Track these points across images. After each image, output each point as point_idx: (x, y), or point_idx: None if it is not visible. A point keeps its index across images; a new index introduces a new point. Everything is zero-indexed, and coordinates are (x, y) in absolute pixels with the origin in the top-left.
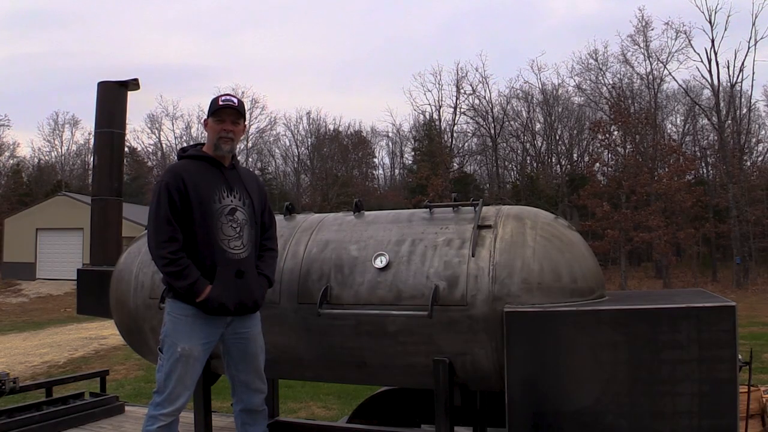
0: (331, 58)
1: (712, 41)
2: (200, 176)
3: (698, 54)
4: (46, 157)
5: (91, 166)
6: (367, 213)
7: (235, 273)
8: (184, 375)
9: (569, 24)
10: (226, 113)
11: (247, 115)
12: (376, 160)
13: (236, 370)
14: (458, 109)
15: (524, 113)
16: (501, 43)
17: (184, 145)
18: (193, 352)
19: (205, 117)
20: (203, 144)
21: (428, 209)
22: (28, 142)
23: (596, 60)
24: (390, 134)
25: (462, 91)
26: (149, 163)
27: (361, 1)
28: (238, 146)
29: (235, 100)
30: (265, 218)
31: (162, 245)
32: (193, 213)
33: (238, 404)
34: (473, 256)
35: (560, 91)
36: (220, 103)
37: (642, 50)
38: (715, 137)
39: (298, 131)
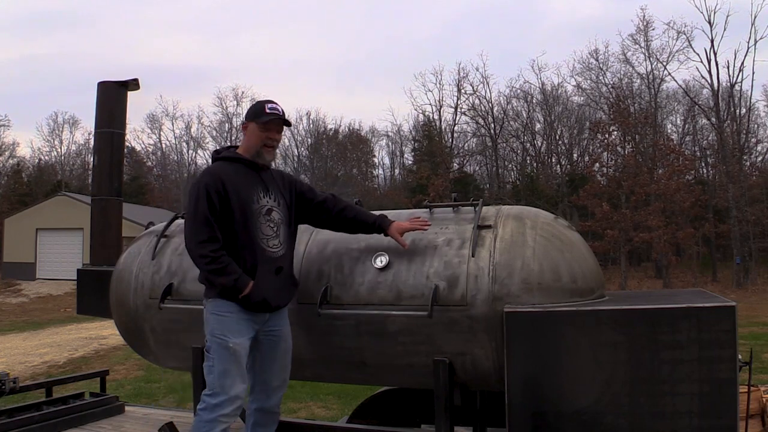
0: (332, 58)
1: (712, 41)
2: (238, 178)
3: (698, 54)
4: (46, 157)
5: (91, 166)
6: None
7: (274, 270)
8: (238, 370)
9: (570, 25)
10: (274, 123)
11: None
12: (376, 159)
13: (261, 369)
14: (458, 109)
15: (524, 113)
16: (502, 43)
17: (185, 144)
18: (243, 347)
19: (245, 120)
20: (236, 147)
21: (428, 209)
22: (28, 143)
23: (597, 59)
24: (390, 134)
25: (463, 91)
26: (149, 163)
27: (362, 2)
28: None
29: (281, 110)
30: (314, 194)
31: (202, 245)
32: (234, 214)
33: (254, 403)
34: (473, 256)
35: (560, 91)
36: (268, 110)
37: (642, 50)
38: (715, 137)
39: (297, 131)
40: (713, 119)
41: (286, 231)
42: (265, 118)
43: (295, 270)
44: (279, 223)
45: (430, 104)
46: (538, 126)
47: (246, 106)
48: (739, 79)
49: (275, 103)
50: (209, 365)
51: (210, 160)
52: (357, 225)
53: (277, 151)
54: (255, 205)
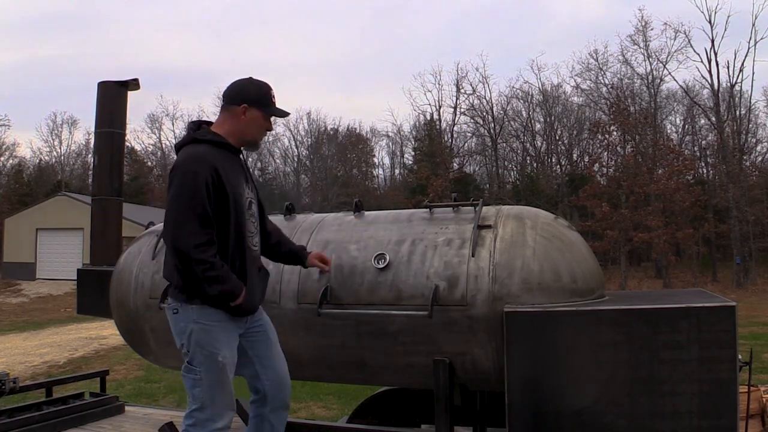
0: (332, 59)
1: (712, 41)
2: (229, 167)
3: (698, 54)
4: (47, 157)
5: (91, 166)
6: (367, 213)
7: (257, 270)
8: (227, 384)
9: (570, 26)
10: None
11: None
12: (375, 159)
13: (262, 366)
14: (458, 109)
15: (524, 113)
16: (502, 44)
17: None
18: (232, 359)
19: (241, 101)
20: (209, 122)
21: (428, 209)
22: (28, 143)
23: (596, 60)
24: (390, 134)
25: (462, 90)
26: (149, 163)
27: (362, 3)
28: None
29: None
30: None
31: (201, 249)
32: (229, 209)
33: (266, 406)
34: (473, 256)
35: (560, 91)
36: (275, 102)
37: (642, 50)
38: (715, 137)
39: (297, 131)
40: (713, 119)
41: (259, 224)
42: (275, 111)
43: (295, 270)
44: (257, 218)
45: (429, 104)
46: (537, 126)
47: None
48: (740, 80)
49: (273, 90)
50: (195, 378)
51: (184, 138)
52: (282, 256)
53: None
54: (243, 199)
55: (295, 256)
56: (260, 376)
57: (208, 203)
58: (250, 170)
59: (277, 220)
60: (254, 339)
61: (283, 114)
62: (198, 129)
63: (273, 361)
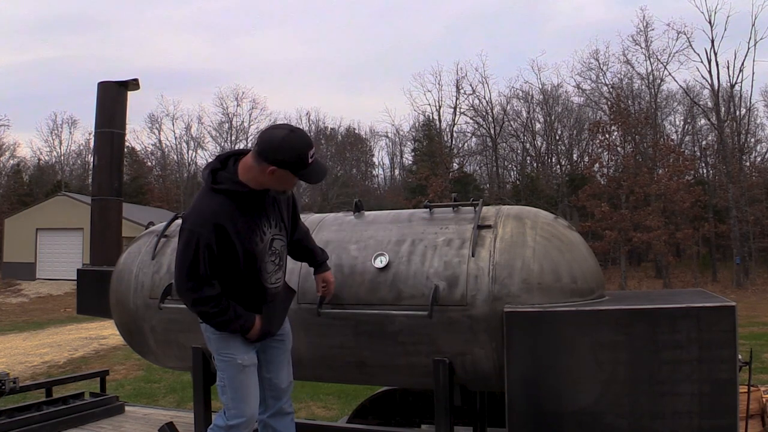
0: (333, 59)
1: (712, 41)
2: (241, 218)
3: (698, 54)
4: (47, 158)
5: (91, 166)
6: (367, 213)
7: (275, 301)
8: (249, 385)
9: (571, 27)
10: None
11: (247, 116)
12: (375, 160)
13: (267, 371)
14: (458, 109)
15: (524, 113)
16: (502, 45)
17: (185, 144)
18: (252, 360)
19: (274, 165)
20: (239, 153)
21: (428, 209)
22: (28, 143)
23: (597, 60)
24: (390, 134)
25: (462, 91)
26: (149, 163)
27: (362, 4)
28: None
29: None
30: (296, 227)
31: (203, 301)
32: (239, 259)
33: (265, 412)
34: (473, 256)
35: (560, 91)
36: (311, 161)
37: (643, 50)
38: (715, 137)
39: None
40: (713, 119)
41: (285, 255)
42: (306, 177)
43: (295, 270)
44: (281, 253)
45: (429, 104)
46: (537, 126)
47: (246, 106)
48: (739, 80)
49: (313, 148)
50: (221, 385)
51: (204, 181)
52: (306, 256)
53: None
54: (260, 245)
55: (314, 261)
56: (263, 380)
57: (208, 263)
58: (281, 199)
59: None
60: (270, 344)
61: (316, 180)
62: (223, 166)
63: (279, 368)
